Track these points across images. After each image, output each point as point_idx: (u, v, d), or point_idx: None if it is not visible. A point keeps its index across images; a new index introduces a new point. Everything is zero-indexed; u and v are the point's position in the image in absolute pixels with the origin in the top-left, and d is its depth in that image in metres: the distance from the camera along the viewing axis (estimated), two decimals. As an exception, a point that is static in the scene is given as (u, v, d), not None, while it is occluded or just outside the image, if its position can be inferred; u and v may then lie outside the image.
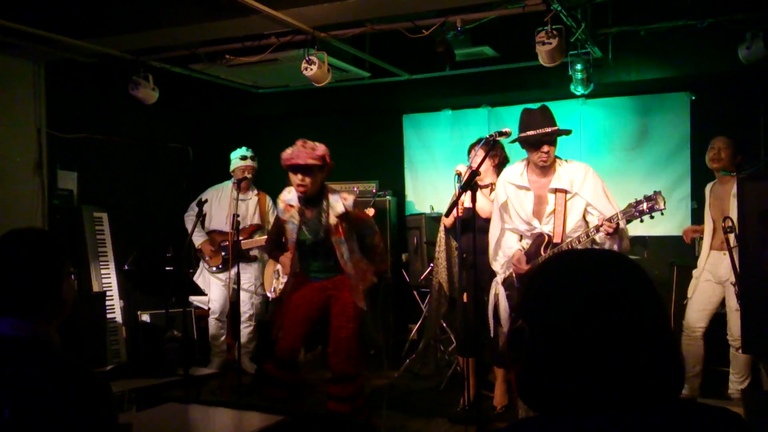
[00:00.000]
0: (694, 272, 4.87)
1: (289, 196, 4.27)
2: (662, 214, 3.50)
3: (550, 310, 1.18)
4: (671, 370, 1.16)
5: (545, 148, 3.84)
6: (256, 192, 5.97)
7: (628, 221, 3.59)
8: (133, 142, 6.50)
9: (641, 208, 3.49)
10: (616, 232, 3.63)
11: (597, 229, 3.68)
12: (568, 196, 3.87)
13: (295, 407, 4.20)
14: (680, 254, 5.21)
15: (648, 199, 3.48)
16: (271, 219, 6.05)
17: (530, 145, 3.89)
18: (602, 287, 1.17)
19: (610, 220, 3.62)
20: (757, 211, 3.87)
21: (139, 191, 6.51)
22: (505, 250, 4.10)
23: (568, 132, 3.92)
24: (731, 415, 1.17)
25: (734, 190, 4.54)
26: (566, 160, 3.96)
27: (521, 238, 4.10)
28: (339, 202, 4.16)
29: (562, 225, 3.85)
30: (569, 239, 3.81)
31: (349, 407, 4.19)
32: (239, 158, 5.92)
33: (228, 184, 6.00)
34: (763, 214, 3.84)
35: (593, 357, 1.13)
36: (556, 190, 3.89)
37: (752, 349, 4.12)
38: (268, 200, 6.09)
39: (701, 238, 4.91)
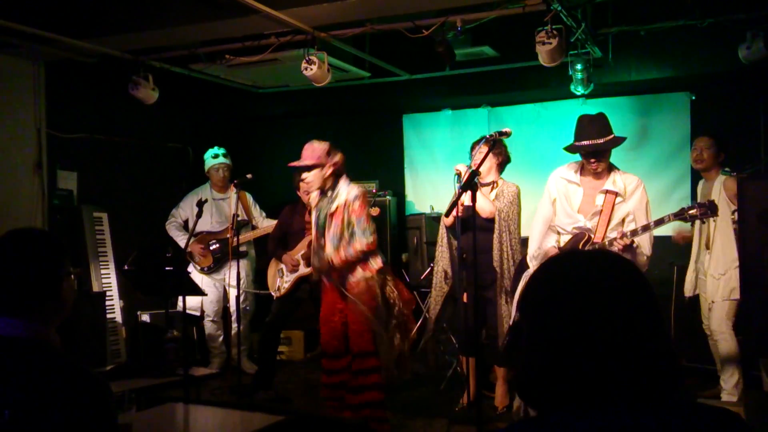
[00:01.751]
0: (690, 269, 4.88)
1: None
2: (714, 220, 3.79)
3: (547, 309, 1.19)
4: (667, 369, 1.16)
5: (592, 160, 3.97)
6: (234, 190, 5.96)
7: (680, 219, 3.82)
8: (133, 142, 6.49)
9: (692, 213, 3.68)
10: (627, 250, 3.80)
11: (611, 242, 3.86)
12: (618, 199, 3.97)
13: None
14: (680, 254, 5.20)
15: (701, 205, 3.69)
16: (255, 214, 6.08)
17: (581, 154, 4.00)
18: (598, 288, 1.18)
19: (624, 236, 3.81)
20: (757, 211, 3.88)
21: (139, 191, 6.50)
22: (544, 246, 4.17)
23: (618, 141, 3.97)
24: (731, 415, 1.18)
25: (715, 187, 4.60)
26: (622, 171, 4.07)
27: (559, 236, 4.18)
28: (344, 194, 4.19)
29: (606, 225, 3.94)
30: (607, 239, 3.92)
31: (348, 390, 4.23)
32: (211, 157, 5.96)
33: (206, 186, 6.04)
34: (763, 214, 3.86)
35: (589, 356, 1.14)
36: (606, 192, 3.98)
37: (753, 348, 4.13)
38: (249, 196, 6.11)
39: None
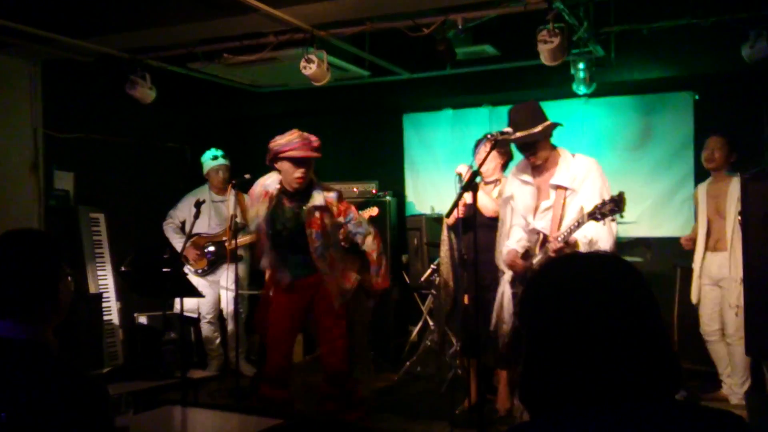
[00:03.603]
0: (695, 275, 4.85)
1: (269, 181, 4.20)
2: (621, 216, 3.38)
3: (546, 313, 1.19)
4: (667, 370, 1.16)
5: (527, 153, 3.79)
6: (233, 192, 5.92)
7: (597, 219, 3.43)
8: (131, 142, 6.45)
9: (603, 210, 3.34)
10: (567, 248, 3.53)
11: (544, 247, 3.65)
12: (568, 192, 3.73)
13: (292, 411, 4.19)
14: (683, 255, 5.17)
15: (611, 200, 3.35)
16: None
17: (517, 148, 3.85)
18: (597, 290, 1.18)
19: (557, 238, 3.54)
20: (761, 212, 3.84)
21: (136, 192, 6.46)
22: (505, 248, 4.05)
23: (549, 129, 3.72)
24: (732, 417, 1.17)
25: (731, 188, 4.54)
26: (574, 155, 3.82)
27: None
28: (320, 195, 4.12)
29: (558, 223, 3.71)
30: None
31: (346, 404, 4.21)
32: (210, 159, 5.91)
33: (205, 188, 5.99)
34: (767, 215, 3.81)
35: (589, 359, 1.14)
36: (557, 187, 3.76)
37: (756, 351, 4.08)
38: (247, 199, 6.05)
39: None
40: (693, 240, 4.90)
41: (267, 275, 4.44)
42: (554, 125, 3.75)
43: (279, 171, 4.11)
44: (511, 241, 3.98)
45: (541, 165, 3.81)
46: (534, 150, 3.74)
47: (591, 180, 3.70)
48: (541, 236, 3.79)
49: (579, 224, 3.47)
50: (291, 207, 4.13)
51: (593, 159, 3.82)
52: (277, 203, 4.14)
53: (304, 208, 4.09)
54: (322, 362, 4.24)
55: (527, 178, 3.90)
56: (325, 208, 4.10)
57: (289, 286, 4.19)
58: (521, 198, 3.92)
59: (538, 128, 3.69)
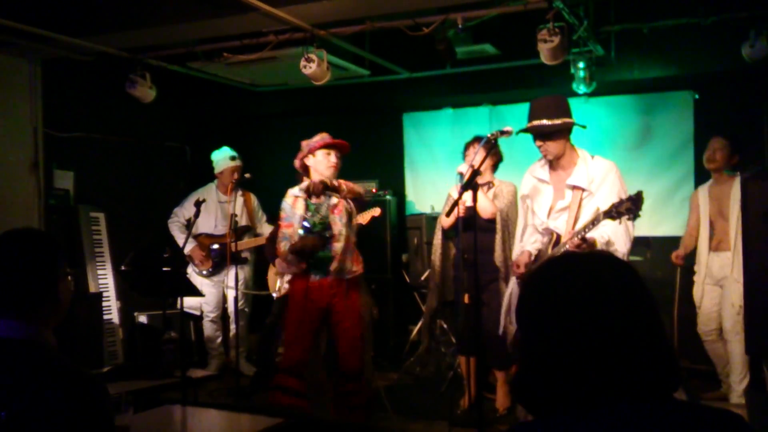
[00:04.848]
0: (696, 277, 4.84)
1: (294, 190, 4.41)
2: (638, 216, 3.30)
3: (542, 314, 1.19)
4: (665, 369, 1.16)
5: (538, 143, 3.75)
6: (240, 192, 5.87)
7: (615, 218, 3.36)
8: (131, 141, 6.45)
9: (620, 209, 3.28)
10: (585, 246, 3.46)
11: (563, 244, 3.62)
12: (585, 194, 3.68)
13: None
14: (684, 255, 5.15)
15: (629, 199, 3.28)
16: (261, 216, 6.01)
17: (532, 137, 3.79)
18: (592, 289, 1.17)
19: (576, 234, 3.50)
20: (761, 211, 3.83)
21: (136, 191, 6.46)
22: (517, 249, 4.03)
23: (567, 126, 3.70)
24: (732, 416, 1.17)
25: (734, 189, 4.53)
26: (593, 157, 3.77)
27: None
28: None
29: (573, 223, 3.66)
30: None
31: (361, 401, 4.32)
32: (229, 158, 5.84)
33: (212, 187, 5.94)
34: (767, 214, 3.80)
35: (587, 359, 1.13)
36: (574, 187, 3.71)
37: (756, 350, 4.08)
38: (254, 199, 6.03)
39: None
40: (681, 257, 4.89)
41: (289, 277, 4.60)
42: (574, 124, 3.72)
43: (307, 174, 4.39)
44: (525, 243, 3.96)
45: (557, 163, 3.78)
46: (546, 140, 3.70)
47: (609, 183, 3.64)
48: (554, 236, 3.76)
49: (595, 223, 3.42)
50: (320, 203, 4.37)
51: (612, 162, 3.76)
52: (307, 204, 4.39)
53: (331, 200, 4.35)
54: (340, 362, 4.34)
55: (544, 176, 3.86)
56: (342, 191, 4.34)
57: (311, 286, 4.31)
58: (536, 197, 3.89)
59: (555, 121, 3.66)
